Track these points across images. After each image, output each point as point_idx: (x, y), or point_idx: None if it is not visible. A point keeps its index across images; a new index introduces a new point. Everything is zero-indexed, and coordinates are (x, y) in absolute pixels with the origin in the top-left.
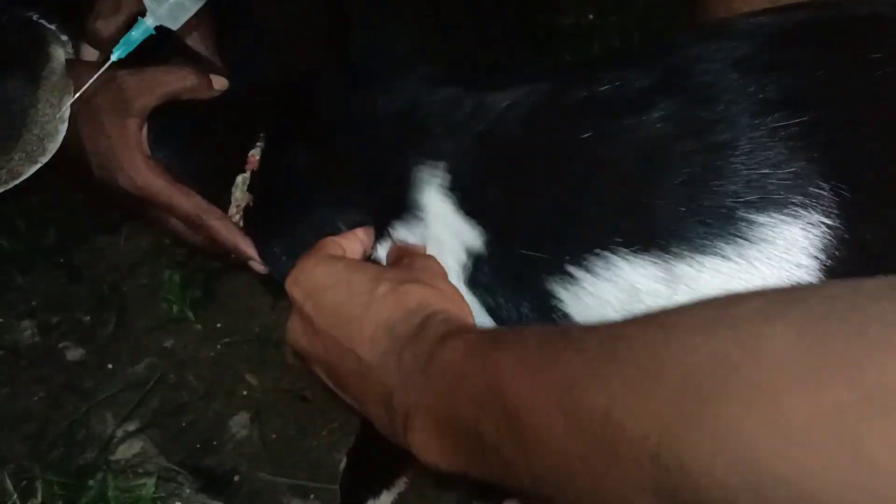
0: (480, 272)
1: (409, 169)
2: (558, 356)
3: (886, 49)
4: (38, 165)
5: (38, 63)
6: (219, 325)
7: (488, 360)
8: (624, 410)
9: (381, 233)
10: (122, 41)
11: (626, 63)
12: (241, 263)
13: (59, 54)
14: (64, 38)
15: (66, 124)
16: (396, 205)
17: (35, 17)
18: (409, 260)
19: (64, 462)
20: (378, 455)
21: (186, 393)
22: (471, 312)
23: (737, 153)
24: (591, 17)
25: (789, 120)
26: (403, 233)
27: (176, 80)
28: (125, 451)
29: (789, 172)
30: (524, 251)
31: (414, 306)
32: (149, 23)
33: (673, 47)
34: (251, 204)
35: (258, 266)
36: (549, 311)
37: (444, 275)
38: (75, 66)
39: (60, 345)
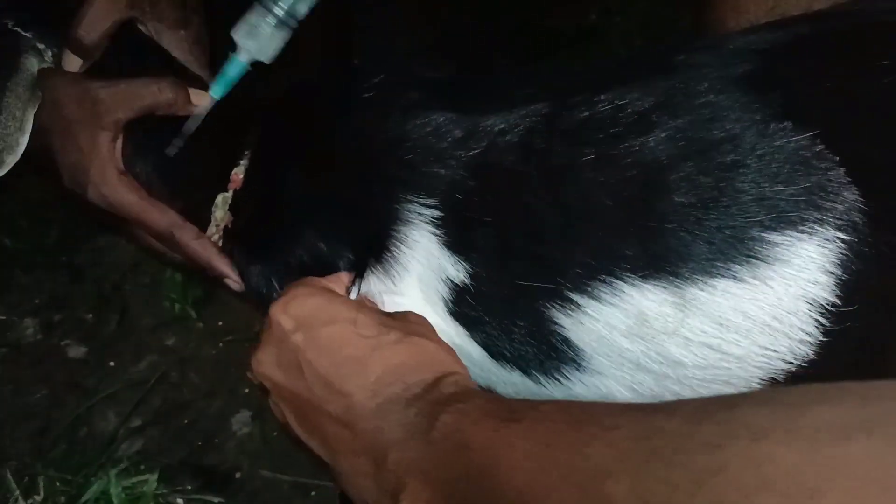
0: (464, 304)
1: (396, 205)
2: (587, 443)
3: (893, 56)
4: None
5: (6, 72)
6: (220, 324)
7: (498, 434)
8: None
9: (359, 271)
10: (219, 79)
11: (624, 81)
12: (217, 280)
13: (31, 64)
14: (41, 46)
15: (26, 136)
16: (379, 241)
17: (10, 25)
18: (402, 312)
19: (66, 459)
20: None
21: (188, 391)
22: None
23: (745, 172)
24: (592, 17)
25: (798, 134)
26: (380, 273)
27: (151, 94)
28: (127, 449)
29: (802, 188)
30: (520, 282)
31: (427, 360)
32: (242, 59)
33: (672, 65)
34: (229, 225)
35: (234, 284)
36: (548, 337)
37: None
38: (52, 76)
39: (62, 343)
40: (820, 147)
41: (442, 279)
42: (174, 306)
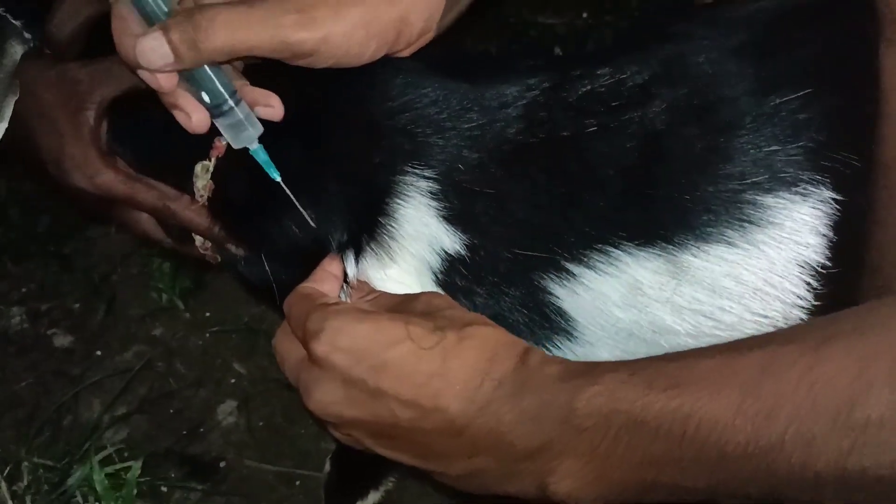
0: (455, 273)
1: (394, 176)
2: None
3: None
4: None
5: None
6: (208, 315)
7: (671, 400)
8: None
9: (355, 249)
10: (269, 168)
11: (624, 55)
12: (214, 259)
13: (15, 51)
14: (28, 35)
15: (5, 124)
16: (374, 215)
17: (1, 11)
18: (424, 300)
19: (50, 447)
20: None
21: (175, 380)
22: None
23: (741, 133)
24: (584, 15)
25: (792, 94)
26: (373, 250)
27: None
28: (112, 437)
29: (797, 147)
30: (517, 251)
31: (492, 347)
32: (255, 147)
33: (669, 36)
34: (210, 195)
35: (234, 250)
36: (540, 307)
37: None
38: (28, 62)
39: (49, 332)
40: (814, 106)
41: (435, 250)
42: (162, 297)
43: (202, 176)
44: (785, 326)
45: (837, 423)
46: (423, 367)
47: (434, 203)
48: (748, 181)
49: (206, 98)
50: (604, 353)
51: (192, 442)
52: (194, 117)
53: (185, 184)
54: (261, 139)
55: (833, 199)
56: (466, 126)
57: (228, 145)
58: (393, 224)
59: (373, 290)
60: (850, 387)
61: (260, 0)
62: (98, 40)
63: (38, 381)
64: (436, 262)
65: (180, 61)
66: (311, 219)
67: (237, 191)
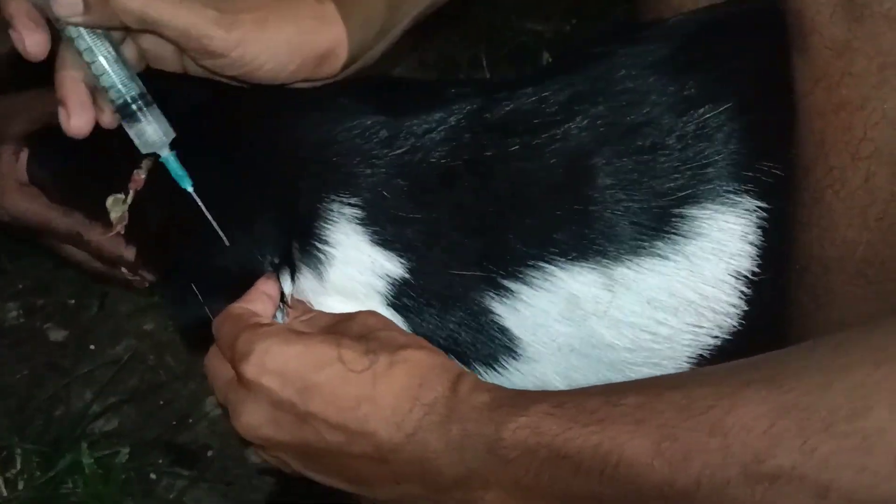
0: (404, 295)
1: (320, 204)
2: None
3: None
4: None
5: None
6: None
7: (593, 434)
8: None
9: (290, 272)
10: (180, 179)
11: (549, 76)
12: (130, 282)
13: None
14: None
15: None
16: (305, 241)
17: None
18: (360, 320)
19: (43, 435)
20: None
21: (164, 373)
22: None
23: (665, 152)
24: (574, 21)
25: (714, 111)
26: (308, 273)
27: (51, 103)
28: (103, 426)
29: (721, 160)
30: (454, 272)
31: (426, 373)
32: (165, 153)
33: (595, 56)
34: (122, 231)
35: (146, 277)
36: (485, 327)
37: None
38: None
39: (44, 326)
40: (736, 119)
41: (379, 275)
42: (153, 293)
43: (114, 208)
44: (719, 335)
45: (748, 471)
46: (353, 390)
47: (363, 229)
48: (674, 196)
49: (114, 96)
50: (548, 370)
51: (180, 431)
52: (73, 120)
53: (101, 214)
54: (189, 162)
55: (759, 208)
56: (393, 154)
57: (147, 179)
58: (325, 247)
59: (309, 310)
60: (761, 437)
61: None
62: (15, 75)
63: (32, 373)
64: (381, 284)
65: (89, 13)
66: (225, 236)
67: (157, 221)
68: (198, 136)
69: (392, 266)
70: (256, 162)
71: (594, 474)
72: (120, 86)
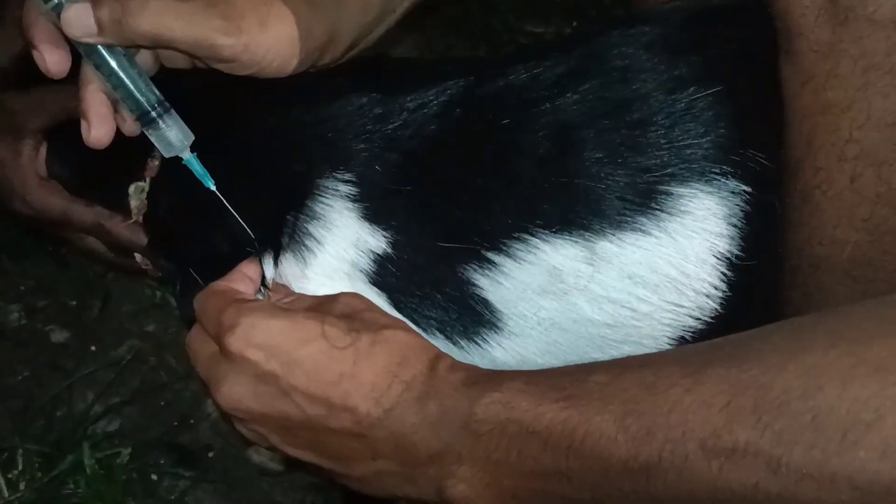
0: (386, 272)
1: (312, 180)
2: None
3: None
4: None
5: None
6: None
7: (562, 411)
8: None
9: (275, 249)
10: (203, 178)
11: (542, 53)
12: (146, 270)
13: None
14: None
15: None
16: (293, 220)
17: None
18: (343, 301)
19: (45, 436)
20: None
21: (166, 374)
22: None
23: (654, 128)
24: (573, 24)
25: (703, 92)
26: (293, 254)
27: (67, 99)
28: (105, 427)
29: (708, 142)
30: (439, 244)
31: (407, 351)
32: (186, 156)
33: (589, 35)
34: (144, 215)
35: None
36: (467, 299)
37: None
38: None
39: (46, 328)
40: (725, 103)
41: (362, 251)
42: (155, 294)
43: (135, 196)
44: (701, 317)
45: (706, 446)
46: (335, 366)
47: (353, 205)
48: (660, 172)
49: (133, 107)
50: (529, 345)
51: (181, 432)
52: (93, 132)
53: (121, 204)
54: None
55: (744, 192)
56: (386, 129)
57: (160, 165)
58: (313, 228)
59: (291, 293)
60: (719, 414)
61: None
62: (33, 70)
63: (33, 374)
64: (364, 262)
65: (102, 35)
66: (249, 230)
67: (168, 208)
68: (194, 117)
69: (375, 241)
70: (248, 143)
71: (561, 449)
72: (138, 96)
